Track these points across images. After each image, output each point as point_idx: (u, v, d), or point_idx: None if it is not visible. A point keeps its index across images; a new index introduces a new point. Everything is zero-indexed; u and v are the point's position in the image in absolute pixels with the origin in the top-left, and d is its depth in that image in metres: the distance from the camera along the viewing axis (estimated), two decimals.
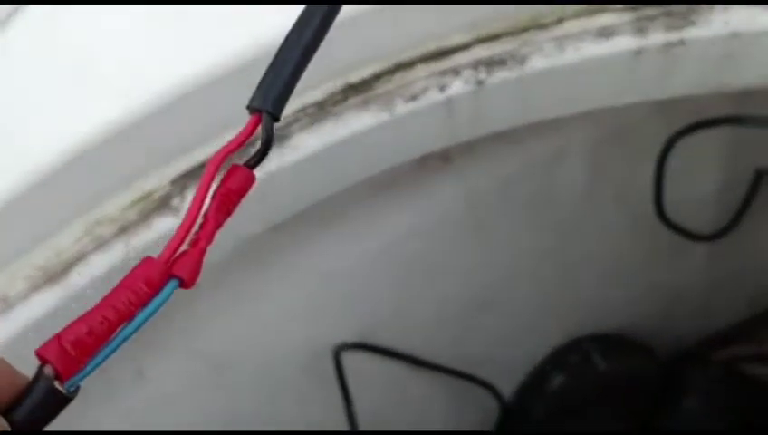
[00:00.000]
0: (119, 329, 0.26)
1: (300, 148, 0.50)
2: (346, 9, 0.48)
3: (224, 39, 0.48)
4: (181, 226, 0.26)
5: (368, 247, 0.67)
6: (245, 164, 0.28)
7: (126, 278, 0.26)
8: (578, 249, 0.77)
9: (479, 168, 0.65)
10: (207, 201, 0.27)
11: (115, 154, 0.48)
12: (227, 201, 0.28)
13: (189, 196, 0.49)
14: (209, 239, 0.27)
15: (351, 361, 0.72)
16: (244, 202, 0.49)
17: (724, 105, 0.63)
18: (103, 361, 0.26)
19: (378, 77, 0.51)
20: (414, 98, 0.51)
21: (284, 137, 0.49)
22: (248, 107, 0.28)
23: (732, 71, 0.56)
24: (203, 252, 0.27)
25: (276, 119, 0.28)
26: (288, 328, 0.69)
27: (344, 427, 0.69)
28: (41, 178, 0.48)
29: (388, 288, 0.71)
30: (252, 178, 0.28)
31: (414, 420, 0.83)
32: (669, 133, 0.64)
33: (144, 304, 0.26)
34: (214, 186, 0.27)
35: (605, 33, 0.53)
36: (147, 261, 0.27)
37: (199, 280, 0.61)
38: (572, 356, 0.86)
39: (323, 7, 0.29)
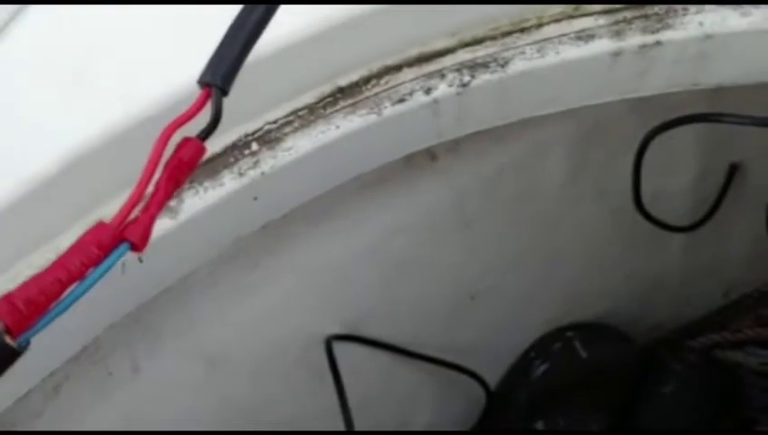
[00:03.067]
0: (70, 289, 0.27)
1: (292, 149, 0.51)
2: (336, 15, 0.50)
3: None
4: (132, 193, 0.27)
5: (356, 243, 0.69)
6: (197, 137, 0.29)
7: (78, 242, 0.27)
8: (560, 242, 0.79)
9: (464, 165, 0.67)
10: (158, 172, 0.28)
11: (114, 157, 0.49)
12: (178, 172, 0.28)
13: (185, 197, 0.51)
14: (160, 207, 0.28)
15: (341, 352, 0.73)
16: (241, 202, 0.51)
17: (699, 102, 0.65)
18: (54, 318, 0.27)
19: (366, 80, 0.53)
20: (401, 100, 0.53)
21: (278, 139, 0.51)
22: (199, 81, 0.29)
23: (705, 70, 0.58)
24: (153, 218, 0.28)
25: (225, 93, 0.29)
26: (279, 322, 0.71)
27: (336, 416, 0.70)
28: (41, 181, 0.49)
29: (376, 282, 0.73)
30: (202, 150, 0.29)
31: (403, 408, 0.84)
32: (646, 129, 0.66)
33: (95, 265, 0.27)
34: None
35: (584, 35, 0.55)
36: (99, 226, 0.27)
37: (192, 278, 0.62)
38: (555, 344, 0.88)
39: None
